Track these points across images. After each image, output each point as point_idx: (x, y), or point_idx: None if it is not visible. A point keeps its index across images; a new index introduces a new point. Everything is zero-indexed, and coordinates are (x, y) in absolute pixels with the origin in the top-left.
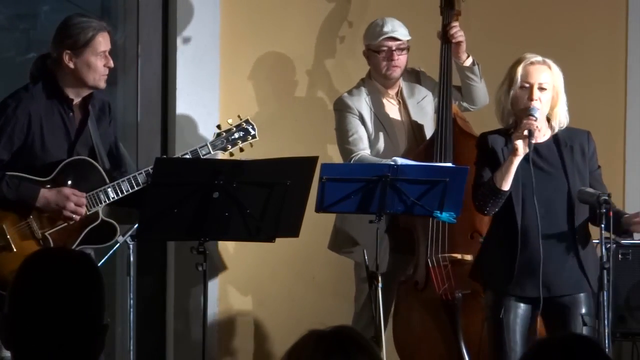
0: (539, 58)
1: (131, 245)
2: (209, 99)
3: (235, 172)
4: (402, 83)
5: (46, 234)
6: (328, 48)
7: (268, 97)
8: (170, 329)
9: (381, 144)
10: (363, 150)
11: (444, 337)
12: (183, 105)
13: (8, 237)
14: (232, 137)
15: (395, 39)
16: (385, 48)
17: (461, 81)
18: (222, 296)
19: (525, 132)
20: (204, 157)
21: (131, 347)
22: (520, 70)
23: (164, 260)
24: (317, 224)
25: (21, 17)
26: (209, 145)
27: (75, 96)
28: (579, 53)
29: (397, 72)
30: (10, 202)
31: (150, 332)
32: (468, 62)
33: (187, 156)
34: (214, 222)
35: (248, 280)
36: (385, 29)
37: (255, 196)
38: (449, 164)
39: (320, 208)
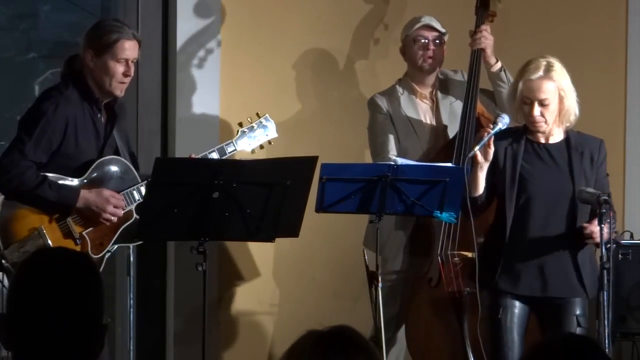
0: (540, 72)
1: (131, 246)
2: (209, 99)
3: (235, 172)
4: (437, 83)
5: (84, 233)
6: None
7: (268, 97)
8: (170, 329)
9: (409, 144)
10: (389, 152)
11: (452, 334)
12: (183, 106)
13: (47, 237)
14: (254, 134)
15: (431, 28)
16: (421, 37)
17: (493, 87)
18: (222, 296)
19: (481, 141)
20: (230, 153)
21: (131, 347)
22: (521, 85)
23: (164, 260)
24: (317, 224)
25: (21, 17)
26: (234, 143)
27: (102, 97)
28: (579, 53)
29: (432, 64)
30: (51, 204)
31: (150, 332)
32: (495, 68)
33: (214, 154)
34: (213, 222)
35: (248, 280)
36: (423, 19)
37: (255, 196)
38: (449, 164)
39: (320, 208)
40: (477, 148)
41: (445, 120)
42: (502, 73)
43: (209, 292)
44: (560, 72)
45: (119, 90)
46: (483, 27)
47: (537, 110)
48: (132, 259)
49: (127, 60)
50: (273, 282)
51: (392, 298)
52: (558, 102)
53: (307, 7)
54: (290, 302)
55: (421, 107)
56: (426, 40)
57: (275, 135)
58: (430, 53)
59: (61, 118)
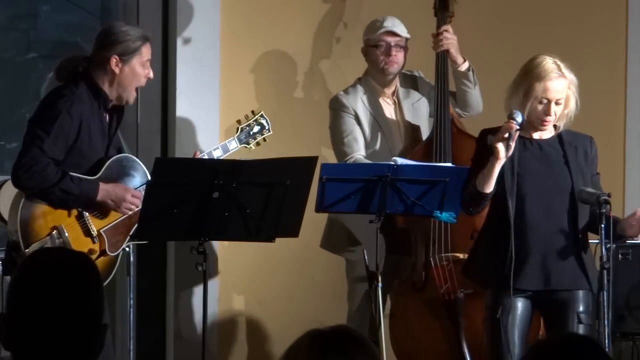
0: (557, 71)
1: (131, 245)
2: (209, 99)
3: (235, 172)
4: (398, 84)
5: (101, 231)
6: (325, 48)
7: (268, 97)
8: (170, 329)
9: (377, 144)
10: (358, 152)
11: (445, 337)
12: (183, 106)
13: (67, 236)
14: (252, 131)
15: (394, 33)
16: (383, 43)
17: (456, 86)
18: (222, 296)
19: (505, 135)
20: (232, 150)
21: (131, 347)
22: (541, 86)
23: (164, 260)
24: (317, 224)
25: (21, 17)
26: (236, 140)
27: (114, 100)
28: (579, 53)
29: (394, 68)
30: (72, 199)
31: (150, 332)
32: (463, 67)
33: (218, 151)
34: (213, 222)
35: (248, 280)
36: (385, 23)
37: (255, 196)
38: (449, 164)
39: (320, 208)
40: (512, 142)
41: (409, 119)
42: (470, 73)
43: (209, 292)
44: (567, 69)
45: (133, 98)
46: (444, 27)
47: (553, 109)
48: (132, 259)
49: (148, 62)
50: (273, 282)
51: (367, 301)
52: (565, 99)
53: (304, 7)
54: (290, 302)
55: (385, 107)
56: (389, 46)
57: (270, 132)
58: (393, 58)
59: (76, 116)
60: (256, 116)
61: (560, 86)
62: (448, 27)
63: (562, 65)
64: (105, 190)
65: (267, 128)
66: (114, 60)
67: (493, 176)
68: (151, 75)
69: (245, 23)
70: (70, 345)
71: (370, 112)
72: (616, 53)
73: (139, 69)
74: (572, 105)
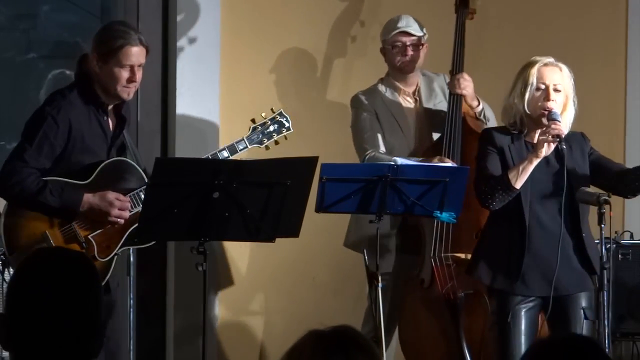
0: (552, 59)
1: (131, 248)
2: (209, 99)
3: (235, 172)
4: (420, 83)
5: (89, 237)
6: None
7: (268, 97)
8: (170, 329)
9: (396, 142)
10: (377, 148)
11: (448, 335)
12: (183, 105)
13: (52, 242)
14: (268, 130)
15: (408, 34)
16: (398, 43)
17: None
18: (222, 296)
19: (551, 137)
20: (241, 151)
21: (131, 347)
22: (535, 72)
23: (164, 260)
24: (317, 224)
25: (21, 17)
26: (246, 140)
27: (108, 101)
28: (579, 53)
29: (410, 67)
30: (53, 209)
31: (150, 332)
32: (478, 110)
33: (225, 152)
34: (214, 222)
35: (248, 281)
36: (399, 24)
37: (255, 196)
38: (449, 164)
39: (320, 208)
40: (563, 146)
41: (429, 118)
42: (482, 113)
43: (209, 292)
44: (567, 74)
45: (126, 94)
46: (459, 75)
47: (552, 94)
48: (132, 259)
49: (132, 66)
50: (273, 282)
51: (383, 299)
52: (565, 97)
53: (308, 5)
54: (290, 302)
55: (405, 105)
56: (404, 45)
57: (291, 130)
58: (408, 58)
59: (64, 122)
60: (274, 114)
61: (556, 73)
62: (463, 74)
63: (560, 64)
64: (88, 204)
65: (287, 126)
66: (94, 58)
67: (527, 173)
68: (135, 79)
69: (245, 22)
70: (69, 345)
71: (390, 110)
72: (616, 53)
73: (117, 71)
74: (570, 107)
